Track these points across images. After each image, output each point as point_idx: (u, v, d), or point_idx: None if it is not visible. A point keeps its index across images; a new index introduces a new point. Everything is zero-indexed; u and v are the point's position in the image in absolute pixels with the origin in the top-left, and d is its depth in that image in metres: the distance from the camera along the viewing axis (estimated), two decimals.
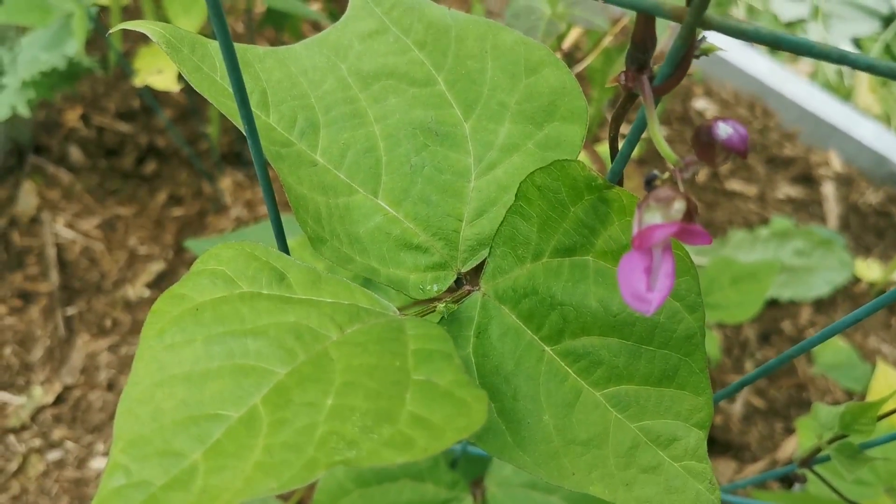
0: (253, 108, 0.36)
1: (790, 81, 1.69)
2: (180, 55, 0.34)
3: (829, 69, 1.86)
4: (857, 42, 1.97)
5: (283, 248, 0.36)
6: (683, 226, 0.23)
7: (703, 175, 1.54)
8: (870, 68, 0.24)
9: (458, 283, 0.37)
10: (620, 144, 0.31)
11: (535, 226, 0.33)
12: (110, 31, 0.34)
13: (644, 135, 0.33)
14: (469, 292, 0.36)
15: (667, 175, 0.24)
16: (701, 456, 0.31)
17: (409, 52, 0.38)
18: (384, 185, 0.37)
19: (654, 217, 0.24)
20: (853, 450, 0.51)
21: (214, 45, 0.36)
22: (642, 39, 0.25)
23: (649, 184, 0.24)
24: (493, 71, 0.37)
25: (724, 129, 0.22)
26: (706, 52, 0.25)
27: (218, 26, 0.27)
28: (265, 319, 0.29)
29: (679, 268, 0.30)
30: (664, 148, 0.24)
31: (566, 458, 0.31)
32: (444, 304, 0.34)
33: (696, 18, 0.23)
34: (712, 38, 0.28)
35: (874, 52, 1.93)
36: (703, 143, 0.23)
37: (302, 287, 0.31)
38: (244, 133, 0.32)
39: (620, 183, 0.32)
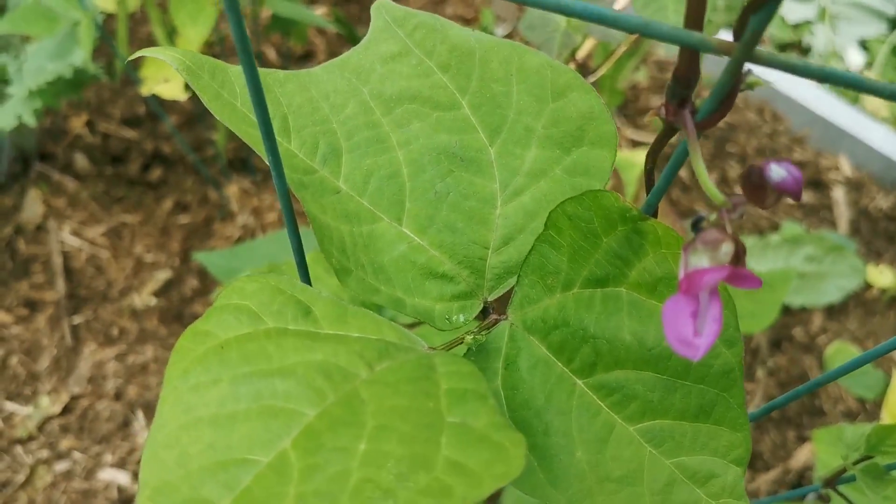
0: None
1: (799, 85, 1.68)
2: (200, 82, 0.34)
3: None
4: (863, 44, 1.96)
5: (305, 278, 0.35)
6: (734, 269, 0.22)
7: None
8: None
9: (485, 312, 0.36)
10: (656, 177, 0.30)
11: (565, 255, 0.32)
12: (128, 59, 0.33)
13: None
14: (496, 321, 0.35)
15: (713, 216, 0.23)
16: (739, 493, 0.31)
17: (432, 74, 0.37)
18: (408, 213, 0.36)
19: (701, 260, 0.23)
20: (879, 471, 0.50)
21: (234, 71, 0.35)
22: (686, 75, 0.24)
23: (696, 225, 0.23)
24: (518, 94, 0.36)
25: (777, 172, 0.21)
26: (751, 87, 0.24)
27: (244, 58, 0.26)
28: (292, 358, 0.28)
29: None
30: (711, 188, 0.23)
31: (600, 497, 0.31)
32: (472, 337, 0.33)
33: (745, 54, 0.22)
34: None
35: (881, 55, 1.92)
36: (754, 185, 0.22)
37: (328, 321, 0.30)
38: (268, 163, 0.31)
39: (655, 215, 0.31)
